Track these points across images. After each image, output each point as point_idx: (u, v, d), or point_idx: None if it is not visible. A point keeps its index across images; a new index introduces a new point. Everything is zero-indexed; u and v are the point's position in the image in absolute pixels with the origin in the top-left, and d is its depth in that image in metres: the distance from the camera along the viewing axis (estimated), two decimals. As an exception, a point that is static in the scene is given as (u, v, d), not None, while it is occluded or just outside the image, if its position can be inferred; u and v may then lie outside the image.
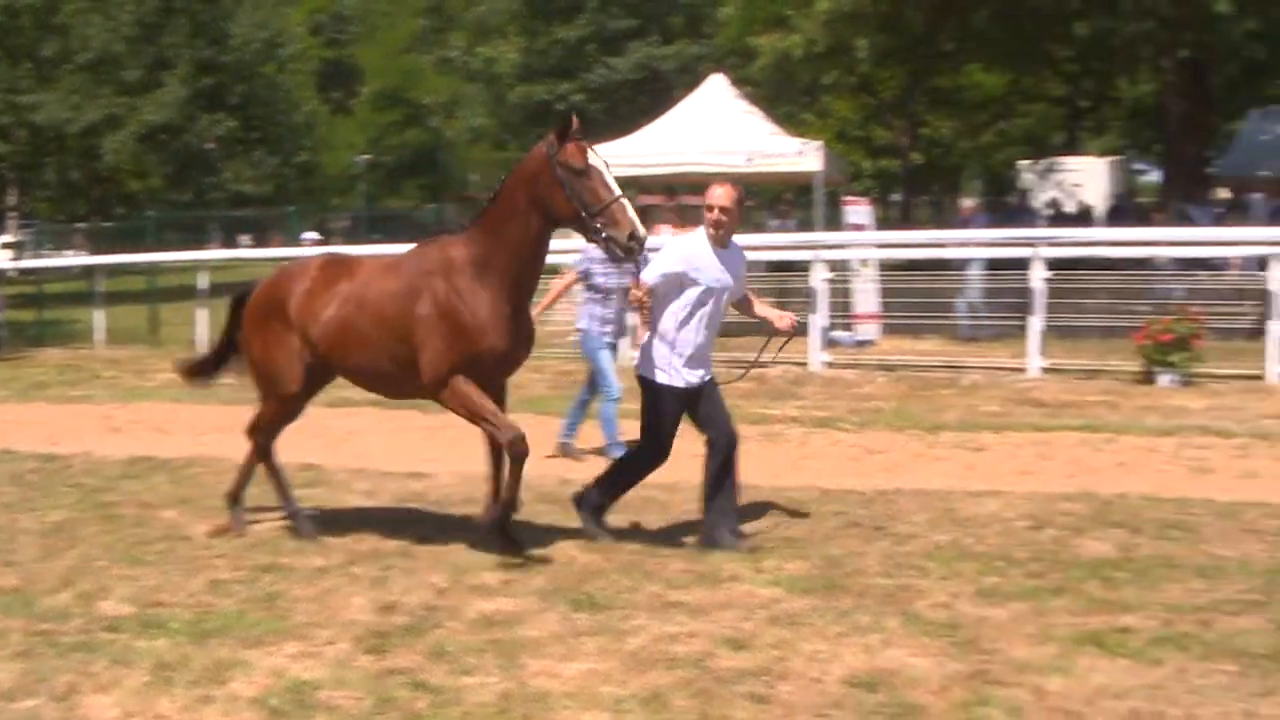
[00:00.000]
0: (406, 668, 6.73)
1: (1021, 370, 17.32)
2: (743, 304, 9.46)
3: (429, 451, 12.86)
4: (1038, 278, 17.43)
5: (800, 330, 10.07)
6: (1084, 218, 33.56)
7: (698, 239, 9.05)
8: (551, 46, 62.56)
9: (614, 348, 12.88)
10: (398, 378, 9.05)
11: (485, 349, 8.68)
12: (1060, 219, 30.98)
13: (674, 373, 9.00)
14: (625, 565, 8.48)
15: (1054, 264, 17.77)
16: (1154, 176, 48.47)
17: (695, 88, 29.58)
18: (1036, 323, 17.34)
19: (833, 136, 41.96)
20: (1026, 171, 46.32)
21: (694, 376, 9.03)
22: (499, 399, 9.05)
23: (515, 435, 8.61)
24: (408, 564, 8.70)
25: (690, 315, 8.97)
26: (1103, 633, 7.12)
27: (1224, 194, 35.25)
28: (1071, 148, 48.14)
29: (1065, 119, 45.05)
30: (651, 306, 8.98)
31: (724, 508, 9.06)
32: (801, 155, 24.90)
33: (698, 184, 34.94)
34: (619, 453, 11.94)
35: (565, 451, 12.84)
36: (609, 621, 7.38)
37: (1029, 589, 7.87)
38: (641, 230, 8.36)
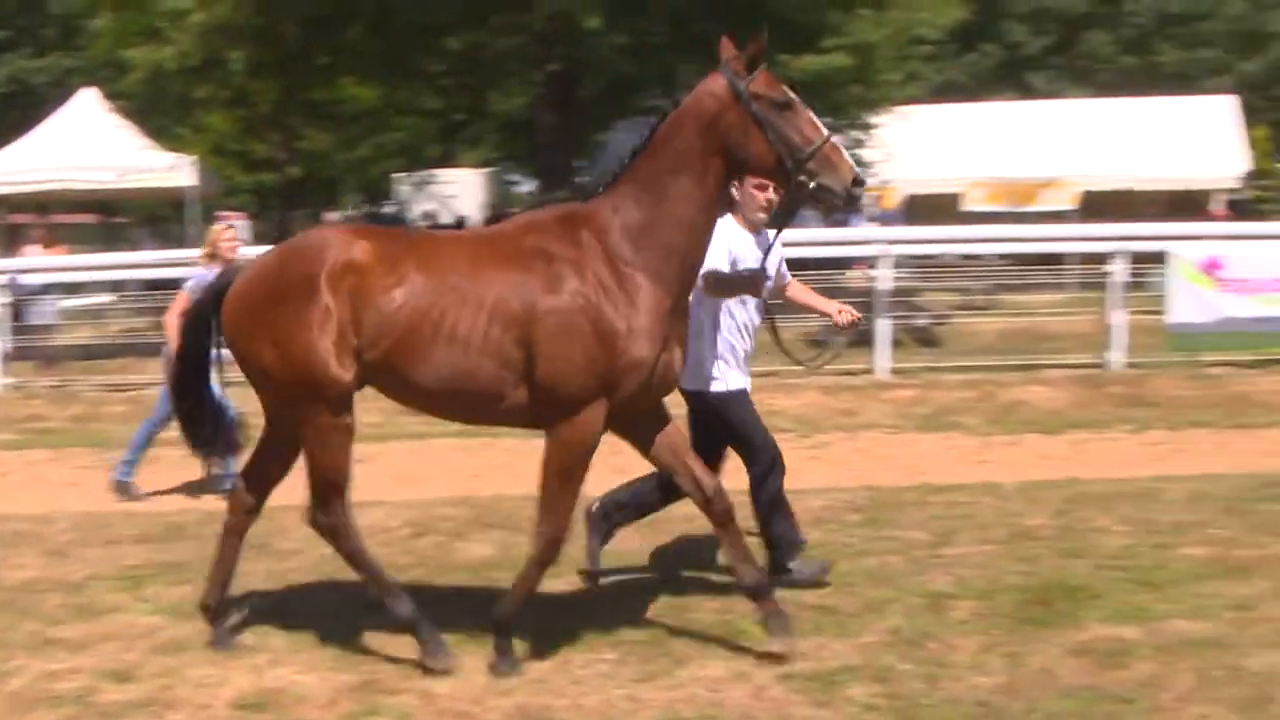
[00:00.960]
0: None
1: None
2: (790, 294, 8.44)
3: None
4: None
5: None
6: (459, 229, 34.23)
7: (731, 228, 7.72)
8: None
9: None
10: (491, 397, 6.67)
11: (637, 363, 6.61)
12: (437, 230, 31.45)
13: (732, 377, 7.98)
14: (2, 604, 8.06)
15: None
16: (527, 187, 49.81)
17: (66, 102, 28.53)
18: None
19: (209, 150, 41.20)
20: (403, 183, 46.92)
21: (747, 380, 8.11)
22: (656, 420, 7.06)
23: (556, 539, 6.80)
24: None
25: (733, 316, 7.96)
26: (487, 632, 7.24)
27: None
28: (447, 160, 48.94)
29: (441, 131, 45.70)
30: (691, 310, 7.39)
31: (793, 533, 8.27)
32: (174, 170, 24.53)
33: (67, 201, 33.77)
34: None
35: (123, 491, 11.57)
36: (-14, 663, 7.00)
37: (413, 596, 7.91)
38: (861, 173, 6.77)
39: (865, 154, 30.90)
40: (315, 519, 7.02)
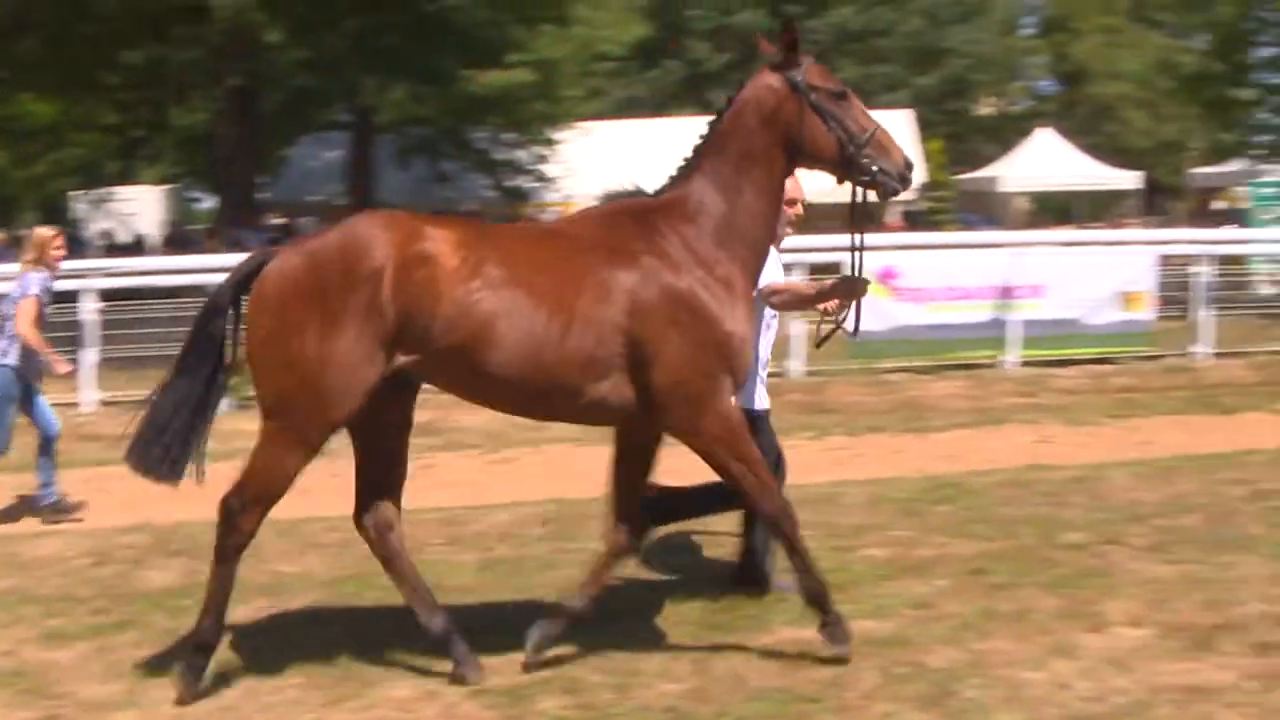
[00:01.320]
0: None
1: (75, 405, 16.53)
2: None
3: None
4: (89, 310, 16.89)
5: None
6: (137, 247, 33.57)
7: None
8: None
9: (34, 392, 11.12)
10: (571, 394, 6.57)
11: (746, 341, 6.80)
12: (114, 249, 30.84)
13: (761, 396, 7.97)
14: None
15: (108, 295, 17.31)
16: (209, 203, 48.89)
17: None
18: (90, 356, 16.79)
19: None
20: (80, 202, 45.56)
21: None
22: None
23: (782, 505, 6.79)
24: None
25: (767, 328, 8.00)
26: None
27: (277, 219, 36.17)
28: (126, 177, 47.74)
29: (120, 148, 44.59)
30: None
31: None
32: None
33: None
34: None
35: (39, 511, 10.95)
36: None
37: (94, 627, 7.76)
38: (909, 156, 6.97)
39: (547, 170, 31.13)
40: (231, 506, 6.65)
